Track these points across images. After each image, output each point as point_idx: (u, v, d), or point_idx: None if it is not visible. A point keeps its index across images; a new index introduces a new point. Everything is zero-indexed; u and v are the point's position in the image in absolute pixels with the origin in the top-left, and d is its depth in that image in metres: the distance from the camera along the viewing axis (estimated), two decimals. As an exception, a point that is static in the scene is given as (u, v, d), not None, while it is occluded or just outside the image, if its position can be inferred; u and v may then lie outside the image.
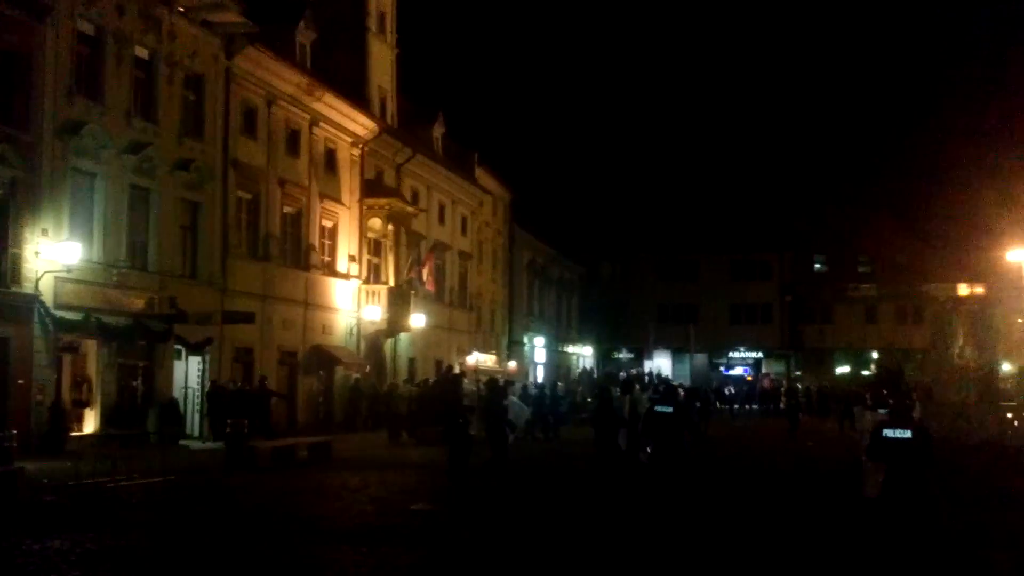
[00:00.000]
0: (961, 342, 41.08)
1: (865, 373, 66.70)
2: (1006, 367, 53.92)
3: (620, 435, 21.26)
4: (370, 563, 12.02)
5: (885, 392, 22.78)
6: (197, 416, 30.49)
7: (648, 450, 18.18)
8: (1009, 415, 30.09)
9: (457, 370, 37.94)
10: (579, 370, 70.02)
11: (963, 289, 67.27)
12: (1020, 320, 53.76)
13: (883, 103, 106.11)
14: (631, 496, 17.72)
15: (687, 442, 17.68)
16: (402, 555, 12.65)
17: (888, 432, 11.11)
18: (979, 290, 65.47)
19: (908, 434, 11.00)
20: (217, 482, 20.34)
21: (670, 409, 16.98)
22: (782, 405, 45.47)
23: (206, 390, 30.27)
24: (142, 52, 28.88)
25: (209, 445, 27.70)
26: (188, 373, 30.58)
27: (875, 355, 70.88)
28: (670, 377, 66.93)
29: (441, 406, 24.61)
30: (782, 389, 53.92)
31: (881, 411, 19.18)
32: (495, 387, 23.08)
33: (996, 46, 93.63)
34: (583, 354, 73.96)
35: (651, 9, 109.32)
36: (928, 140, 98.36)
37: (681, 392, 25.89)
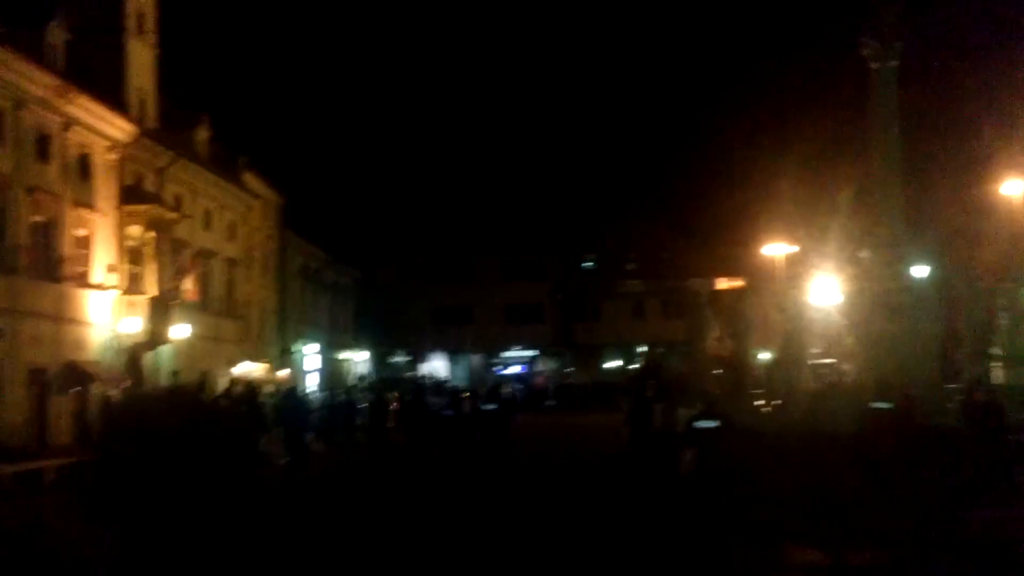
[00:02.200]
0: (717, 333, 43.09)
1: (633, 367, 68.85)
2: (764, 356, 56.77)
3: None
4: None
5: (652, 382, 24.06)
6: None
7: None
8: (757, 403, 31.70)
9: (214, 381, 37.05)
10: (355, 375, 69.52)
11: (722, 283, 70.26)
12: (775, 313, 56.45)
13: (651, 105, 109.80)
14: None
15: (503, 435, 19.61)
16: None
17: (699, 423, 13.77)
18: (737, 283, 68.47)
19: (714, 423, 13.66)
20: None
21: (494, 407, 19.33)
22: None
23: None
24: None
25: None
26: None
27: (642, 349, 73.29)
28: (448, 379, 67.64)
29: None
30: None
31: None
32: (293, 396, 22.87)
33: (762, 55, 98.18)
34: (358, 359, 73.42)
35: (424, 10, 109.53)
36: (692, 141, 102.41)
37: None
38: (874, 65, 34.51)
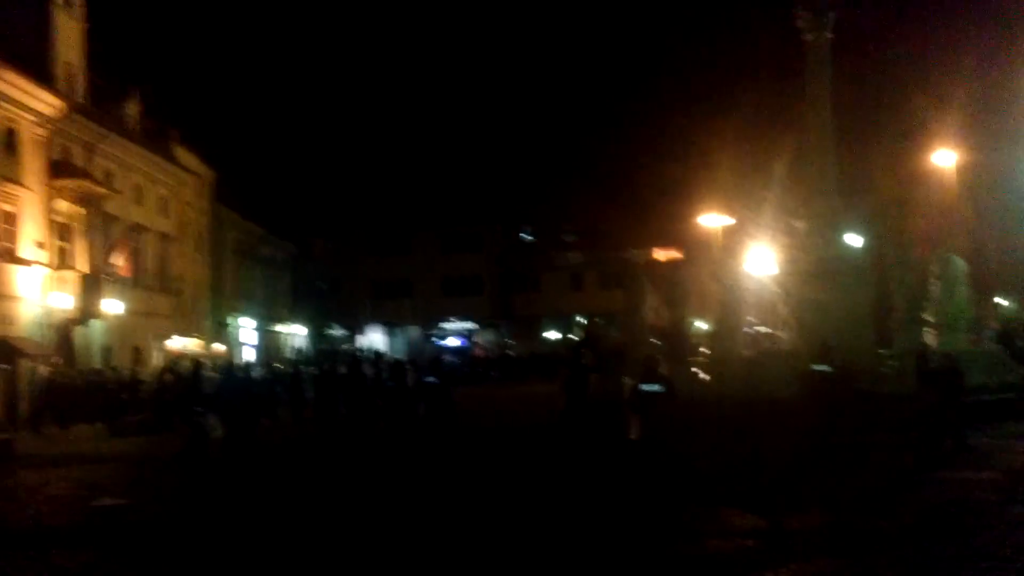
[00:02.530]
0: (655, 303, 43.38)
1: (572, 337, 69.06)
2: (702, 325, 57.30)
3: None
4: (36, 567, 11.24)
5: (589, 351, 24.16)
6: None
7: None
8: (694, 369, 31.99)
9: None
10: (292, 349, 69.01)
11: (659, 253, 70.65)
12: (712, 283, 56.96)
13: (586, 75, 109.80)
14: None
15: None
16: (76, 555, 11.91)
17: (643, 387, 14.33)
18: (674, 254, 68.95)
19: (657, 387, 14.28)
20: None
21: (435, 379, 19.63)
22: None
23: None
24: None
25: None
26: None
27: (581, 320, 73.50)
28: (386, 351, 67.30)
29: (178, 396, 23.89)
30: None
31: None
32: (233, 371, 22.73)
33: (702, 25, 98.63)
34: (295, 333, 72.84)
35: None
36: (630, 113, 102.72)
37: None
38: (808, 36, 34.70)
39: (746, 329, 36.20)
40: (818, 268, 33.72)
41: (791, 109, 39.94)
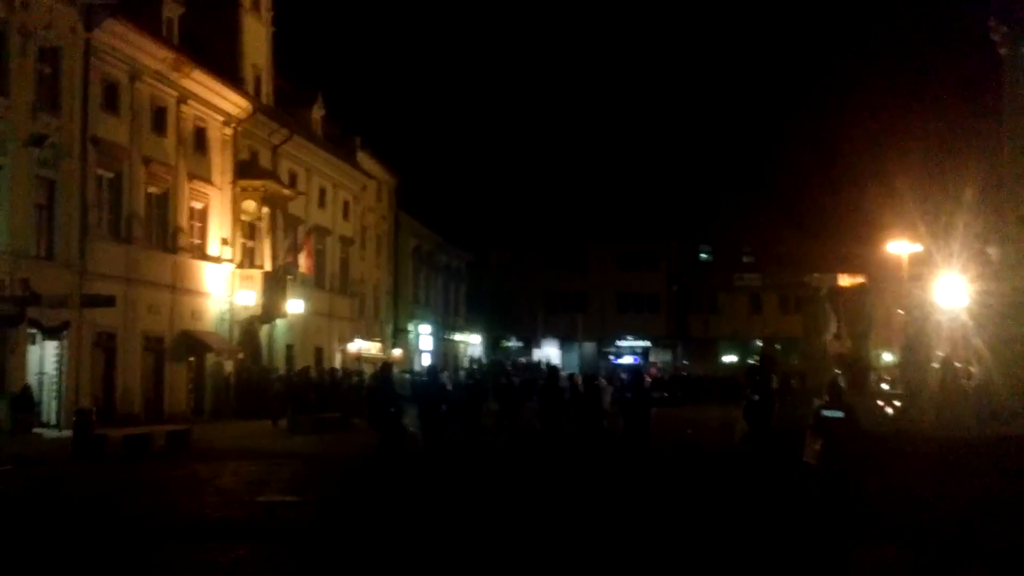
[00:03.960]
0: (836, 330, 41.64)
1: (751, 361, 67.35)
2: (887, 356, 54.98)
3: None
4: (189, 559, 11.21)
5: (757, 378, 23.29)
6: (54, 403, 29.10)
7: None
8: (880, 403, 30.58)
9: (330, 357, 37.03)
10: (469, 358, 69.34)
11: (843, 279, 68.21)
12: (900, 311, 54.65)
13: (770, 95, 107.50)
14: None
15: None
16: (230, 549, 11.86)
17: (825, 412, 14.20)
18: (858, 280, 66.44)
19: (840, 413, 14.04)
20: (56, 472, 19.26)
21: (630, 396, 20.61)
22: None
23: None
24: (-8, 22, 27.26)
25: (65, 434, 26.39)
26: (44, 359, 29.09)
27: (760, 344, 71.66)
28: (560, 366, 66.86)
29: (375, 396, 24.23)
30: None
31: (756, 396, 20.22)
32: (434, 374, 23.06)
33: (888, 41, 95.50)
34: (471, 342, 73.29)
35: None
36: (812, 133, 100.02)
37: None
38: (1003, 50, 32.89)
39: (935, 364, 34.34)
40: (1013, 299, 31.85)
41: (984, 129, 37.95)
